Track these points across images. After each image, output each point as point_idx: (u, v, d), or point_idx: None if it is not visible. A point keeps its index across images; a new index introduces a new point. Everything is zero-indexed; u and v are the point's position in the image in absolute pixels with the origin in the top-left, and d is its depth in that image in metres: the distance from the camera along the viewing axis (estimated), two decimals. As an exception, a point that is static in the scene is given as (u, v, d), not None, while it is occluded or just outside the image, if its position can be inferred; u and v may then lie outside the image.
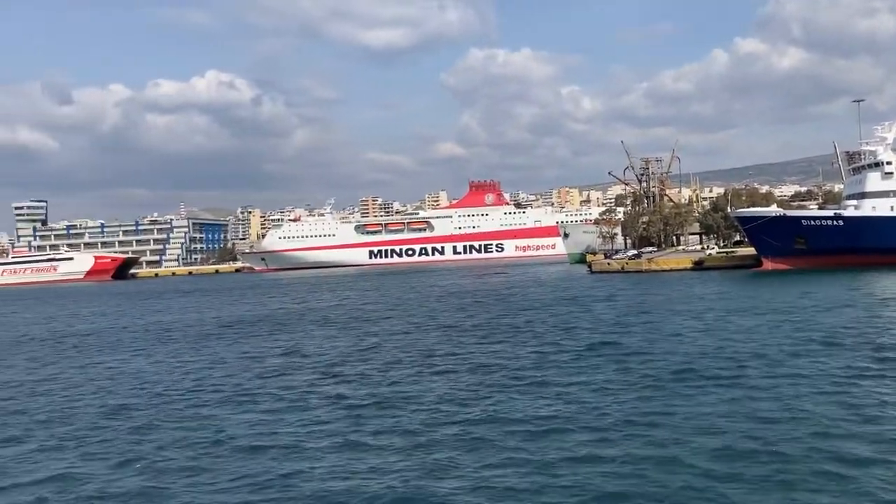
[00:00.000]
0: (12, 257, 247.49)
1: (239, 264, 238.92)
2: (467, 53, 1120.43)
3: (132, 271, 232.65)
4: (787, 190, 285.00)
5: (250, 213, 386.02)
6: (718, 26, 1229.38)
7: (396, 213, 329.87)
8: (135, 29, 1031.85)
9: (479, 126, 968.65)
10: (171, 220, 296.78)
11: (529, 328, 41.18)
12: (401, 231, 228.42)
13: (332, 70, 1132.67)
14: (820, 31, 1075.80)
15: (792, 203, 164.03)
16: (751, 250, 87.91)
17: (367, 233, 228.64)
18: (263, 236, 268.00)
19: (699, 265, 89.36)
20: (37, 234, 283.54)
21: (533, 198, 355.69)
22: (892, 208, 78.46)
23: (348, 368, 30.80)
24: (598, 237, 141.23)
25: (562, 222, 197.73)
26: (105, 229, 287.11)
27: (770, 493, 14.25)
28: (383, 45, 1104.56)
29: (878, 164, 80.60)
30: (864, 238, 77.13)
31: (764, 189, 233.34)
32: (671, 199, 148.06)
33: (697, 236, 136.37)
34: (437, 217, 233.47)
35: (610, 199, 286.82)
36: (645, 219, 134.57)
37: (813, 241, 79.03)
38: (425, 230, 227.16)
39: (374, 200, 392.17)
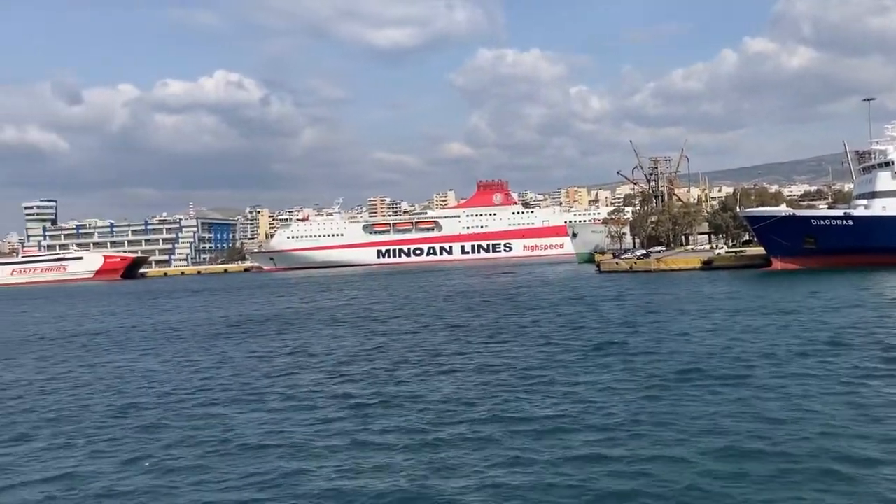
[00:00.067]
0: (22, 257, 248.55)
1: (248, 264, 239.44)
2: (476, 53, 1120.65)
3: (141, 271, 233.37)
4: (797, 189, 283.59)
5: (259, 212, 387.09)
6: (724, 26, 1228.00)
7: (404, 212, 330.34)
8: (143, 29, 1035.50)
9: (488, 126, 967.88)
10: (180, 219, 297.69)
11: (537, 328, 41.17)
12: (409, 231, 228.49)
13: (340, 70, 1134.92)
14: (830, 29, 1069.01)
15: (801, 202, 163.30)
16: (760, 250, 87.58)
17: (376, 232, 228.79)
18: (272, 236, 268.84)
19: (708, 265, 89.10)
20: (46, 233, 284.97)
21: (541, 197, 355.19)
22: None
23: (356, 368, 30.87)
24: (607, 237, 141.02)
25: (570, 222, 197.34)
26: (114, 229, 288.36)
27: (777, 494, 14.20)
28: (391, 45, 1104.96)
29: (888, 164, 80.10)
30: (874, 238, 76.71)
31: (773, 188, 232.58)
32: (680, 199, 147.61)
33: (706, 236, 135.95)
34: (446, 217, 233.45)
35: (618, 198, 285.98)
36: (654, 218, 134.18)
37: (822, 240, 78.67)
38: (433, 230, 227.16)
39: (382, 200, 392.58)
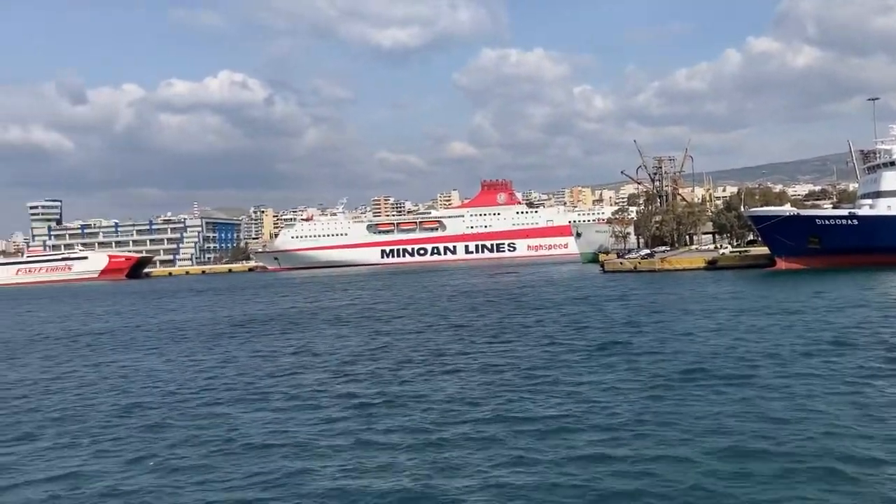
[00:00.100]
0: (27, 256, 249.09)
1: (252, 263, 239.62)
2: (479, 53, 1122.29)
3: (146, 270, 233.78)
4: (801, 189, 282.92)
5: (263, 212, 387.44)
6: (728, 26, 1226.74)
7: (408, 212, 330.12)
8: (144, 30, 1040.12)
9: (492, 126, 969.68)
10: (185, 219, 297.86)
11: (541, 327, 41.15)
12: (413, 230, 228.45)
13: (344, 70, 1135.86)
14: (834, 29, 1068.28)
15: (806, 202, 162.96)
16: (764, 250, 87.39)
17: (379, 232, 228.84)
18: (276, 235, 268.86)
19: (712, 265, 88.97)
20: (51, 233, 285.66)
21: (545, 197, 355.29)
22: None
23: (360, 367, 30.89)
24: (611, 236, 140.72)
25: (574, 222, 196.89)
26: (119, 229, 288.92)
27: (782, 494, 14.19)
28: (394, 45, 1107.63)
29: (893, 163, 79.86)
30: (879, 237, 76.52)
31: (777, 188, 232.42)
32: (684, 199, 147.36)
33: (710, 236, 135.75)
34: (449, 216, 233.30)
35: (622, 198, 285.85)
36: (658, 218, 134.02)
37: (827, 240, 78.49)
38: (437, 230, 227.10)
39: (386, 200, 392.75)
